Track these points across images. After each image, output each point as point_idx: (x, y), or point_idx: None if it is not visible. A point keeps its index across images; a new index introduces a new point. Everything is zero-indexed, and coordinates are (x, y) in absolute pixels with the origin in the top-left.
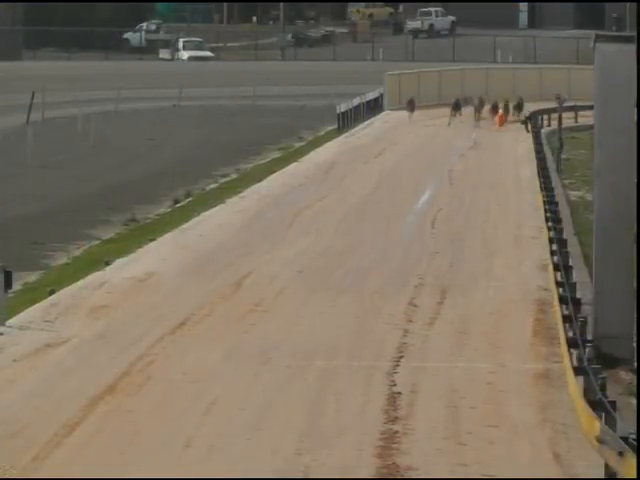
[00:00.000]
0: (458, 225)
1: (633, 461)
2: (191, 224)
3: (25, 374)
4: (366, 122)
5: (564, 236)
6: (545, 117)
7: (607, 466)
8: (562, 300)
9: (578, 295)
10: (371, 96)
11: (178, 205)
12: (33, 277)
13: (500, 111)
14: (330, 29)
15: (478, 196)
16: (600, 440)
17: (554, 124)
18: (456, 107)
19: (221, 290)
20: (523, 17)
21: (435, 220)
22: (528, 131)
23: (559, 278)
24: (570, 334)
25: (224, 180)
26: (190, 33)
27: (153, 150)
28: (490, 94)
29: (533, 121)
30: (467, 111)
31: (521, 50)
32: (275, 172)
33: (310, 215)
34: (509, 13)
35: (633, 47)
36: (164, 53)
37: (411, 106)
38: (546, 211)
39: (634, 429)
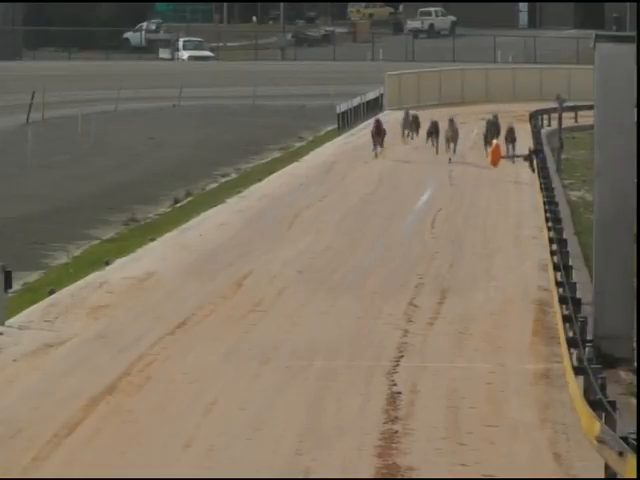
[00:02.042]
0: (458, 225)
1: (633, 461)
2: (191, 224)
3: (25, 374)
4: (366, 122)
5: (564, 236)
6: (545, 117)
7: (607, 466)
8: (562, 300)
9: (578, 295)
10: (371, 96)
11: (178, 205)
12: (33, 277)
13: (495, 142)
14: (330, 29)
15: (478, 196)
16: (600, 440)
17: (554, 124)
18: (431, 132)
19: (221, 290)
20: (523, 17)
21: (435, 220)
22: (534, 170)
23: (559, 278)
24: (570, 334)
25: (224, 180)
26: (190, 33)
27: (153, 150)
28: (490, 94)
29: (540, 157)
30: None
31: (521, 50)
32: (275, 172)
33: (310, 215)
34: (509, 13)
35: (633, 47)
36: (164, 53)
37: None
38: (546, 211)
39: (634, 429)
